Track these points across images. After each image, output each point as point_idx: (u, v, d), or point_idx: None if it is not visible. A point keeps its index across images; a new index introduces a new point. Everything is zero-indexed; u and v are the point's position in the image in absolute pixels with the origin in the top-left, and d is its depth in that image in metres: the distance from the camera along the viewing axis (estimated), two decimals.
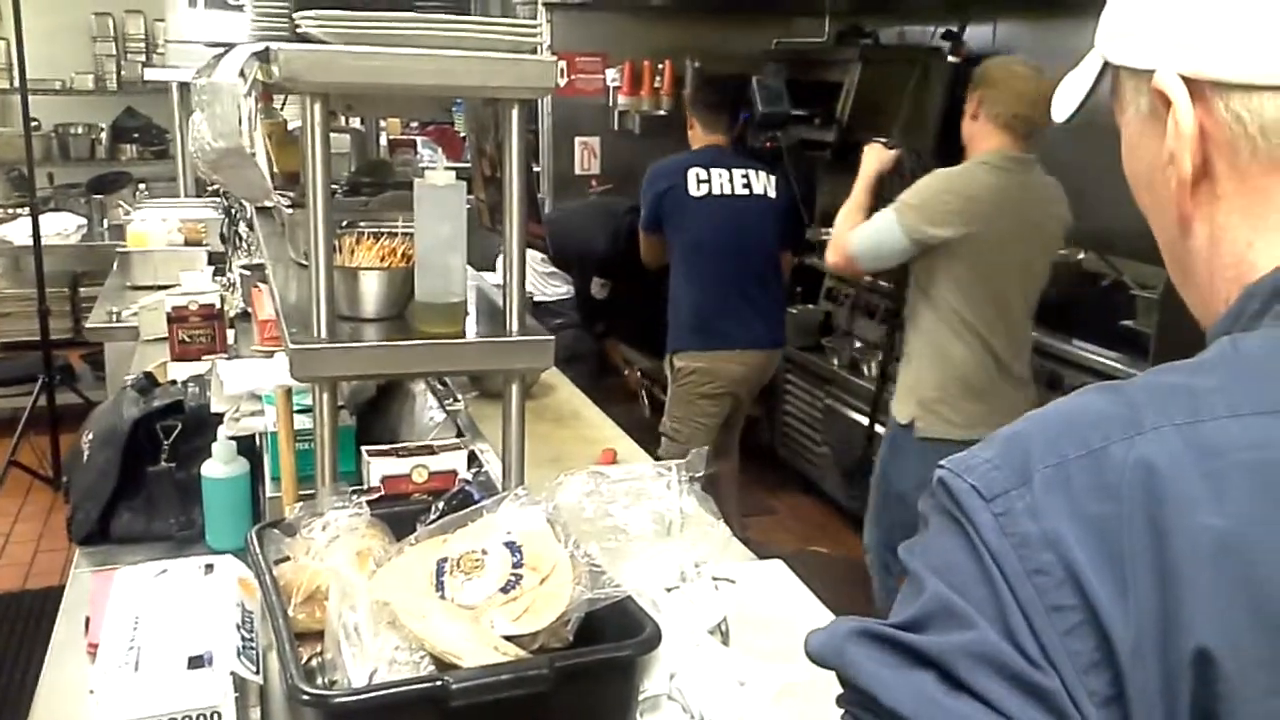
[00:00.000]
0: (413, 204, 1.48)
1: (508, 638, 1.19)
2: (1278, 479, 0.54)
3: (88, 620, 1.64)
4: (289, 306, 1.62)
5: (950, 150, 4.75)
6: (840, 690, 0.60)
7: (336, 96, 1.37)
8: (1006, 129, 2.75)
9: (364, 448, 1.55)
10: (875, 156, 3.01)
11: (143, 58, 6.45)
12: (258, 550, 1.34)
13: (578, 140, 5.17)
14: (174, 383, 2.16)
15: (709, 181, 3.72)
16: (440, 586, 1.25)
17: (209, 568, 1.51)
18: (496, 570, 1.25)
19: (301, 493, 1.56)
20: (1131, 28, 0.69)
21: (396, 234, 1.59)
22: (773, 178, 3.84)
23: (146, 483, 1.93)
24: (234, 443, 1.90)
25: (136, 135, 6.62)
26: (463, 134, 4.47)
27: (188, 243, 4.11)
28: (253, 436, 1.92)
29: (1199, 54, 0.64)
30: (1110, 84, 0.73)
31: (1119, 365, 2.98)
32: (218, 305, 2.93)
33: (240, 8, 2.30)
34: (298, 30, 1.58)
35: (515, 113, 1.46)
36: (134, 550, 1.92)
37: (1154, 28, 0.66)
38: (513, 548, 1.27)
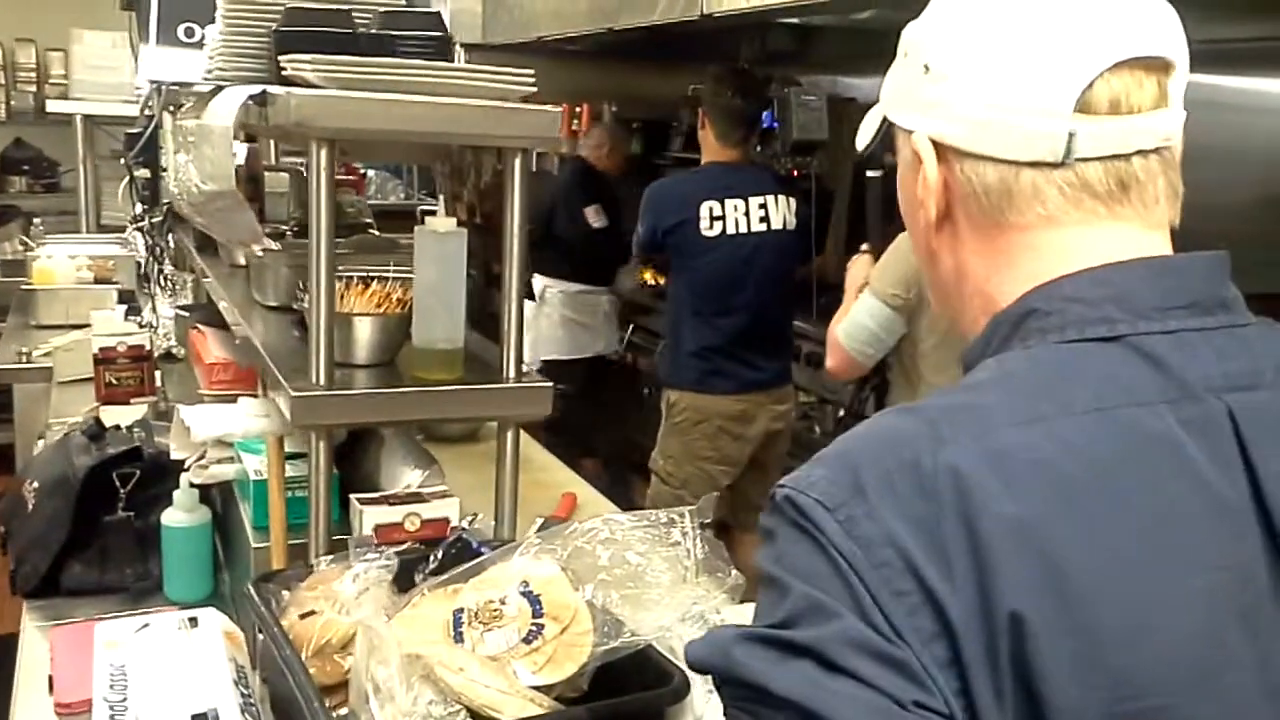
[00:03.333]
0: (383, 247, 1.48)
1: (532, 689, 1.18)
2: (1050, 474, 0.67)
3: (50, 679, 1.58)
4: (271, 352, 1.59)
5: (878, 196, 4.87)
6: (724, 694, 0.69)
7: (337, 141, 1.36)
8: None
9: (354, 496, 1.53)
10: (863, 267, 2.85)
11: (33, 88, 6.23)
12: (259, 603, 1.30)
13: None
14: (118, 428, 2.09)
15: (723, 218, 3.37)
16: (459, 638, 1.24)
17: (192, 621, 1.47)
18: (516, 620, 1.24)
19: (290, 543, 1.52)
20: (900, 95, 0.86)
21: (387, 279, 1.58)
22: (793, 202, 3.49)
23: (101, 533, 1.86)
24: (196, 490, 1.85)
25: (26, 168, 6.38)
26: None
27: (97, 280, 3.97)
28: (209, 485, 1.87)
29: (940, 124, 0.80)
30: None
31: None
32: (147, 346, 2.85)
33: (198, 45, 2.26)
34: (282, 74, 1.57)
35: (518, 161, 1.47)
36: (87, 603, 1.84)
37: (913, 98, 0.83)
38: (530, 597, 1.26)
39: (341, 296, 1.54)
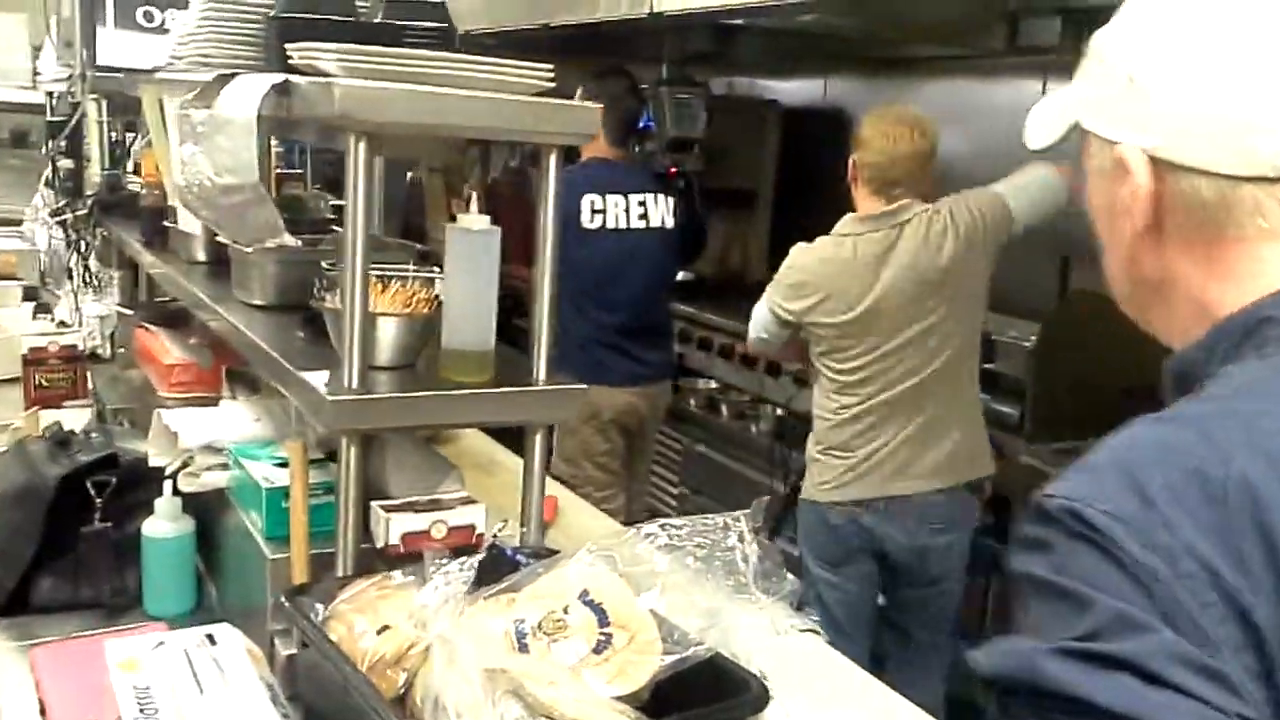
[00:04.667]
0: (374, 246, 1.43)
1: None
2: None
3: (41, 703, 1.48)
4: (280, 354, 1.52)
5: (790, 201, 4.92)
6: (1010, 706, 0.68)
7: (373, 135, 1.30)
8: (868, 185, 2.76)
9: (375, 503, 1.46)
10: None
11: None
12: (304, 617, 1.24)
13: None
14: (87, 434, 1.97)
15: (604, 212, 3.44)
16: (524, 649, 1.20)
17: (210, 638, 1.39)
18: (582, 631, 1.21)
19: (312, 552, 1.46)
20: (1097, 104, 0.86)
21: (408, 279, 1.52)
22: (670, 201, 3.59)
23: (76, 545, 1.75)
24: (179, 499, 1.76)
25: None
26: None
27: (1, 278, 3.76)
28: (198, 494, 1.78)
29: (1152, 137, 0.80)
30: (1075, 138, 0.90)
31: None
32: (80, 346, 2.70)
33: (160, 30, 2.15)
34: (289, 62, 1.50)
35: (554, 158, 1.43)
36: (61, 620, 1.74)
37: (1115, 109, 0.83)
38: (594, 607, 1.23)
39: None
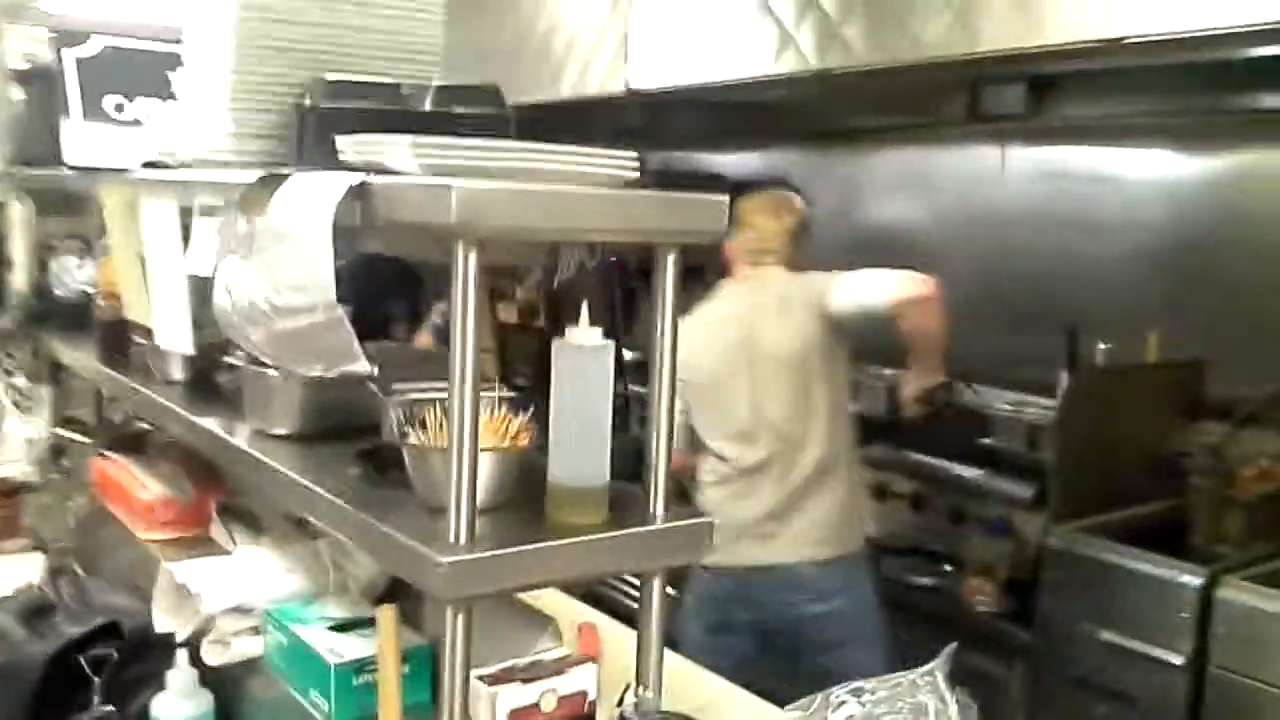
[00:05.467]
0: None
1: None
2: None
3: None
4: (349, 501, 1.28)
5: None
6: None
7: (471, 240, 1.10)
8: (738, 254, 2.87)
9: (475, 673, 1.23)
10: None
11: None
12: None
13: None
14: (58, 593, 1.68)
15: None
16: None
17: None
18: None
19: None
20: None
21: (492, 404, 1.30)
22: None
23: None
24: (196, 671, 1.49)
25: None
26: None
27: None
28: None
29: None
30: None
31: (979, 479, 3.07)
32: (17, 477, 2.38)
33: (133, 123, 1.89)
34: (339, 157, 1.29)
35: (672, 259, 1.24)
36: None
37: None
38: None
39: (441, 426, 1.25)
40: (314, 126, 1.43)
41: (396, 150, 1.21)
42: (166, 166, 1.69)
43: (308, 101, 1.46)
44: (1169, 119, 3.21)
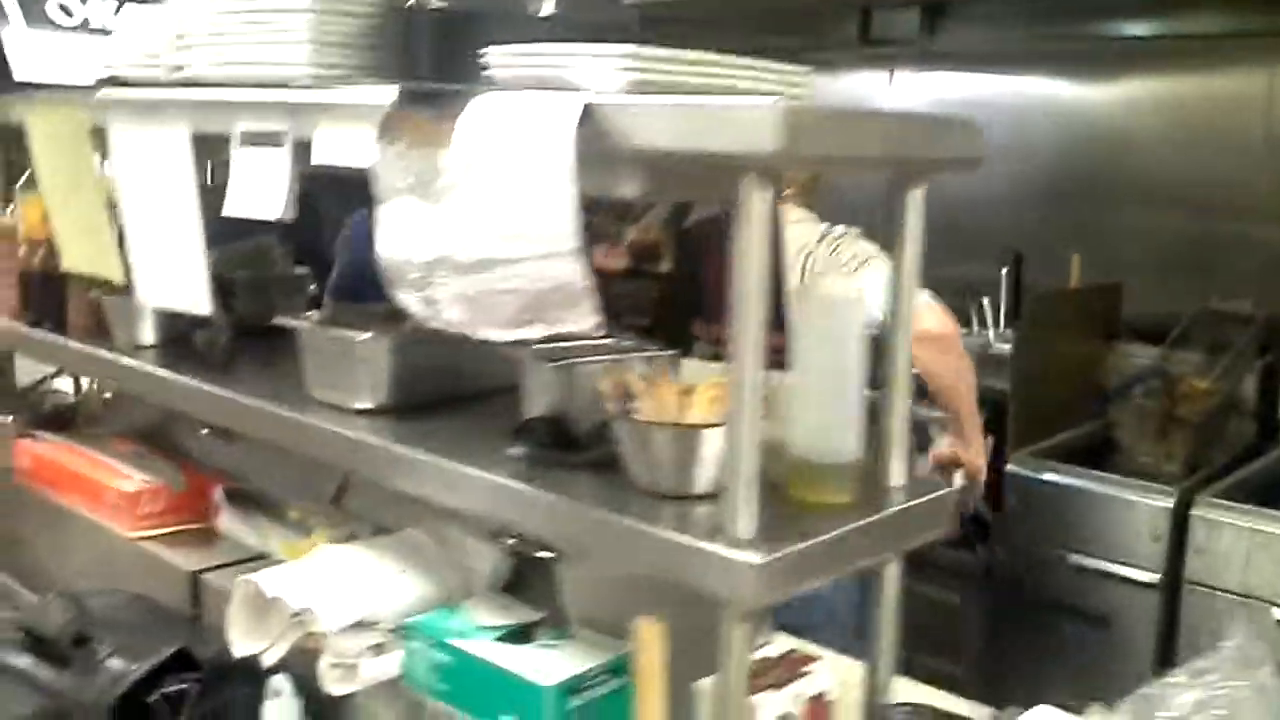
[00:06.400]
0: None
1: None
2: None
3: None
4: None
5: None
6: None
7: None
8: None
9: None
10: None
11: None
12: None
13: None
14: (85, 620, 1.36)
15: None
16: None
17: None
18: None
19: None
20: None
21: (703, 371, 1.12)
22: None
23: None
24: (299, 701, 1.24)
25: None
26: None
27: None
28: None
29: None
30: None
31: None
32: None
33: (83, 29, 1.52)
34: (482, 73, 1.06)
35: (920, 194, 1.08)
36: None
37: None
38: None
39: (663, 399, 1.05)
40: (428, 32, 1.18)
41: (595, 65, 1.00)
42: (152, 84, 1.38)
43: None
44: (1056, 44, 3.25)
